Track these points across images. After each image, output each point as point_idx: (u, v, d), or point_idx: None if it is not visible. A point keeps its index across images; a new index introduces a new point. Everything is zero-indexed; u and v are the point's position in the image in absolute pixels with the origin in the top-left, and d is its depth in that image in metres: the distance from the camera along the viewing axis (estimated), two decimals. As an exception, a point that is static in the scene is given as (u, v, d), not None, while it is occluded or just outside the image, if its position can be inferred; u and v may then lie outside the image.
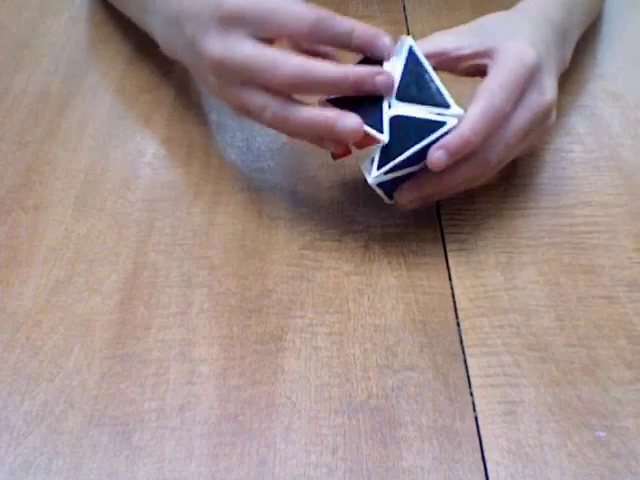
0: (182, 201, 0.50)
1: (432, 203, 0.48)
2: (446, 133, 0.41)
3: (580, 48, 0.57)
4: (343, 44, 0.42)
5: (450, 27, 0.48)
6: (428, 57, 0.43)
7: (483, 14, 0.49)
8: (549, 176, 0.50)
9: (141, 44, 0.63)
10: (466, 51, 0.45)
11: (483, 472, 0.35)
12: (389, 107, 0.42)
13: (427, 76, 0.42)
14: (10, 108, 0.58)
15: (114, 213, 0.49)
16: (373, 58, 0.43)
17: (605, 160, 0.51)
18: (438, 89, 0.42)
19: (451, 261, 0.45)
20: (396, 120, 0.42)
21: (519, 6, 0.50)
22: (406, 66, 0.42)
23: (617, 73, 0.59)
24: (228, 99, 0.45)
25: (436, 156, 0.42)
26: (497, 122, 0.43)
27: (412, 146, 0.41)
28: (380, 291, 0.43)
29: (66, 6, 0.70)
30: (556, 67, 0.48)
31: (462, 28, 0.47)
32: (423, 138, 0.41)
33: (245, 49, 0.42)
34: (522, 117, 0.44)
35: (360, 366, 0.40)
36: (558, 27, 0.49)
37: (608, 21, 0.65)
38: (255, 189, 0.50)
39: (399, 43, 0.43)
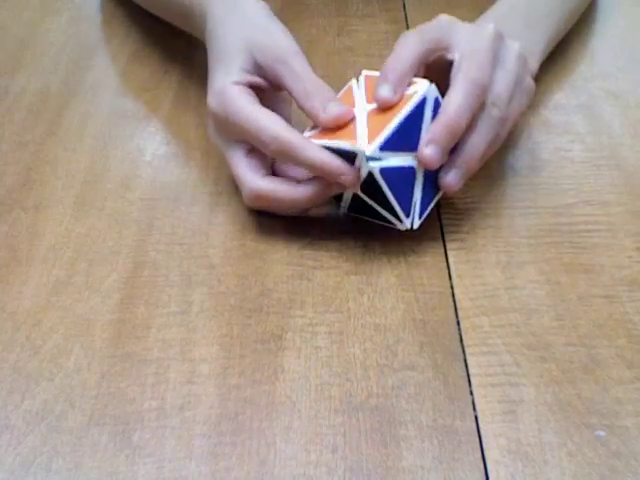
0: (182, 200, 0.50)
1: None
2: (422, 101, 0.42)
3: (579, 48, 0.57)
4: (309, 171, 0.44)
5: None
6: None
7: (483, 12, 0.50)
8: (549, 175, 0.50)
9: (141, 44, 0.63)
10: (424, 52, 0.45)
11: (483, 471, 0.35)
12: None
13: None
14: (10, 108, 0.58)
15: (114, 213, 0.49)
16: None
17: (605, 159, 0.51)
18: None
19: (451, 260, 0.45)
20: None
21: None
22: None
23: (617, 73, 0.59)
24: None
25: (427, 152, 0.42)
26: (480, 96, 0.43)
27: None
28: (380, 290, 0.43)
29: (66, 6, 0.70)
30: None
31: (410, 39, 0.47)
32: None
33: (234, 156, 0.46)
34: (504, 78, 0.44)
35: (360, 365, 0.40)
36: (520, 13, 0.51)
37: (608, 21, 0.65)
38: (255, 188, 0.50)
39: (356, 83, 0.46)
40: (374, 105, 0.44)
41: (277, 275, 0.45)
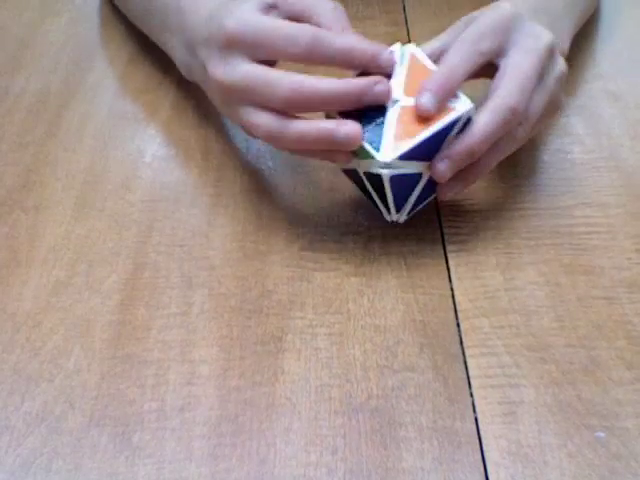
0: (182, 202, 0.50)
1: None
2: (457, 120, 0.41)
3: (579, 48, 0.57)
4: (342, 63, 0.42)
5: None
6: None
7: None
8: (549, 177, 0.50)
9: (141, 44, 0.63)
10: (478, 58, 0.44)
11: (483, 473, 0.35)
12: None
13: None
14: (10, 108, 0.58)
15: (114, 214, 0.49)
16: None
17: (605, 161, 0.51)
18: None
19: (451, 262, 0.45)
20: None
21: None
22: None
23: (617, 73, 0.59)
24: (233, 119, 0.47)
25: (439, 168, 0.42)
26: (513, 122, 0.42)
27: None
28: (380, 292, 0.43)
29: (66, 6, 0.70)
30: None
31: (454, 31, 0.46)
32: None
33: (242, 70, 0.43)
34: (539, 100, 0.44)
35: (360, 367, 0.40)
36: (546, 11, 0.49)
37: (608, 21, 0.65)
38: (255, 190, 0.50)
39: (399, 51, 0.44)
40: (410, 101, 0.42)
41: (277, 277, 0.45)
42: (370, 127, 0.42)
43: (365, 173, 0.43)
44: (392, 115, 0.42)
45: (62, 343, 0.41)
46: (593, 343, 0.40)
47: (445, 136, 0.42)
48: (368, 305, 0.43)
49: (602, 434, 0.36)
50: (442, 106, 0.41)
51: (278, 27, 0.42)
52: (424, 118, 0.41)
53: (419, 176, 0.43)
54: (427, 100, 0.41)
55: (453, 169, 0.42)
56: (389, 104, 0.42)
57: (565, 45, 0.50)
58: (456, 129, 0.42)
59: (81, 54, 0.64)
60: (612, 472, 0.35)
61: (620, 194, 0.49)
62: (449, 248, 0.46)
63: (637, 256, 0.45)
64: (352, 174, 0.45)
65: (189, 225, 0.48)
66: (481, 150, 0.42)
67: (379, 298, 0.43)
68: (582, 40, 0.59)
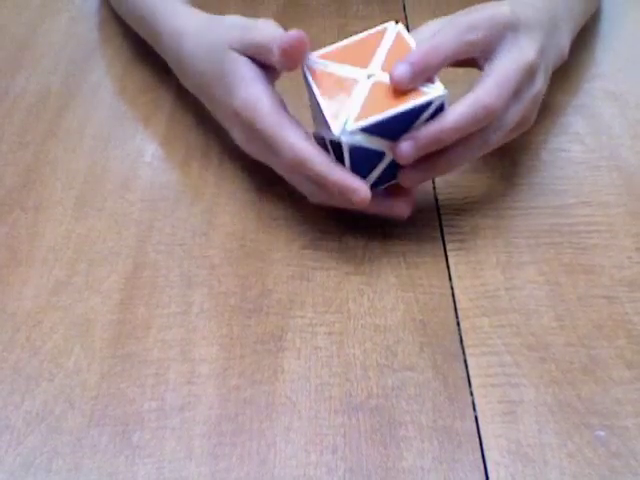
0: (182, 201, 0.50)
1: (432, 201, 0.48)
2: (428, 104, 0.41)
3: (579, 48, 0.57)
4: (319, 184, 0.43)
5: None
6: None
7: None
8: (549, 176, 0.50)
9: (141, 44, 0.63)
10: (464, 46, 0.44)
11: (483, 472, 0.35)
12: None
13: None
14: (10, 108, 0.58)
15: (114, 213, 0.49)
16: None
17: (605, 160, 0.51)
18: None
19: (451, 261, 0.45)
20: None
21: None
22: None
23: (617, 73, 0.59)
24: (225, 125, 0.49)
25: (402, 147, 0.42)
26: (484, 120, 0.42)
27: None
28: (380, 291, 0.43)
29: (66, 6, 0.70)
30: (553, 57, 0.48)
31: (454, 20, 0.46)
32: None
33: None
34: (516, 111, 0.44)
35: (360, 366, 0.40)
36: (550, 16, 0.48)
37: (607, 21, 0.65)
38: (255, 189, 0.50)
39: (388, 30, 0.44)
40: (385, 77, 0.42)
41: (277, 276, 0.45)
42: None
43: (330, 141, 0.43)
44: (363, 88, 0.42)
45: (62, 342, 0.41)
46: (593, 342, 0.40)
47: (414, 118, 0.42)
48: (368, 304, 0.43)
49: (602, 433, 0.36)
50: (417, 79, 0.41)
51: (277, 134, 0.43)
52: (394, 96, 0.41)
53: (382, 155, 0.43)
54: (402, 70, 0.41)
55: (417, 151, 0.42)
56: (362, 79, 0.43)
57: (565, 49, 0.50)
58: (426, 114, 0.42)
59: (81, 54, 0.64)
60: (612, 471, 0.35)
61: (620, 193, 0.49)
62: (449, 247, 0.46)
63: (637, 255, 0.45)
64: (321, 142, 0.45)
65: (189, 224, 0.48)
66: (448, 138, 0.42)
67: (379, 297, 0.43)
68: (582, 40, 0.59)
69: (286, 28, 0.48)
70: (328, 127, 0.42)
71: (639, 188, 0.49)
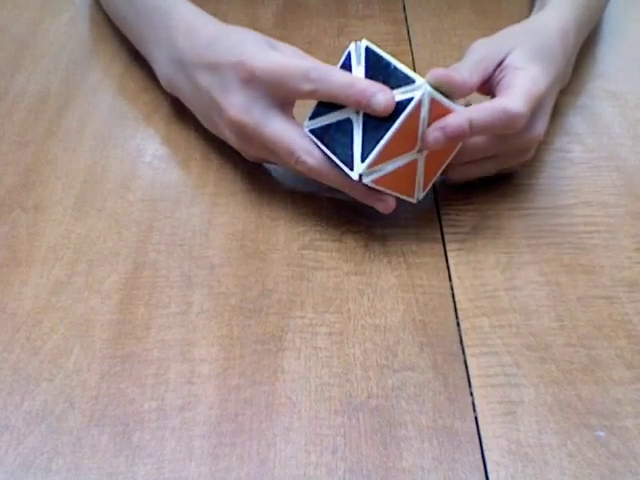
0: (182, 201, 0.50)
1: (432, 201, 0.48)
2: (417, 106, 0.41)
3: (580, 48, 0.57)
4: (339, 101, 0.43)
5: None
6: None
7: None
8: (549, 176, 0.50)
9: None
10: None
11: (483, 472, 0.35)
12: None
13: (388, 64, 0.43)
14: (10, 108, 0.58)
15: (114, 213, 0.49)
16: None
17: (605, 160, 0.51)
18: (399, 70, 0.42)
19: (451, 261, 0.45)
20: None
21: (539, 23, 0.50)
22: (367, 65, 0.43)
23: (617, 73, 0.59)
24: (245, 154, 0.49)
25: (433, 136, 0.42)
26: (507, 128, 0.43)
27: (389, 128, 0.41)
28: (380, 291, 0.43)
29: (66, 6, 0.70)
30: (554, 97, 0.49)
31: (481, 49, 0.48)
32: (397, 118, 0.41)
33: (268, 128, 0.45)
34: (541, 126, 0.46)
35: (360, 366, 0.40)
36: (573, 49, 0.51)
37: (608, 21, 0.65)
38: (255, 189, 0.50)
39: (356, 50, 0.44)
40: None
41: (277, 276, 0.45)
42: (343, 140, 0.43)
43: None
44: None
45: (62, 342, 0.41)
46: (593, 342, 0.40)
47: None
48: (368, 304, 0.43)
49: (602, 433, 0.36)
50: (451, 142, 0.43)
51: (292, 69, 0.44)
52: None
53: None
54: (437, 137, 0.42)
55: (443, 140, 0.42)
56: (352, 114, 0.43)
57: (566, 78, 0.53)
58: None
59: (81, 54, 0.64)
60: (612, 471, 0.35)
61: (620, 193, 0.49)
62: (449, 247, 0.46)
63: (637, 255, 0.45)
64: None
65: (189, 224, 0.48)
66: (474, 128, 0.42)
67: (379, 297, 0.43)
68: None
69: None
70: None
71: (639, 188, 0.49)
